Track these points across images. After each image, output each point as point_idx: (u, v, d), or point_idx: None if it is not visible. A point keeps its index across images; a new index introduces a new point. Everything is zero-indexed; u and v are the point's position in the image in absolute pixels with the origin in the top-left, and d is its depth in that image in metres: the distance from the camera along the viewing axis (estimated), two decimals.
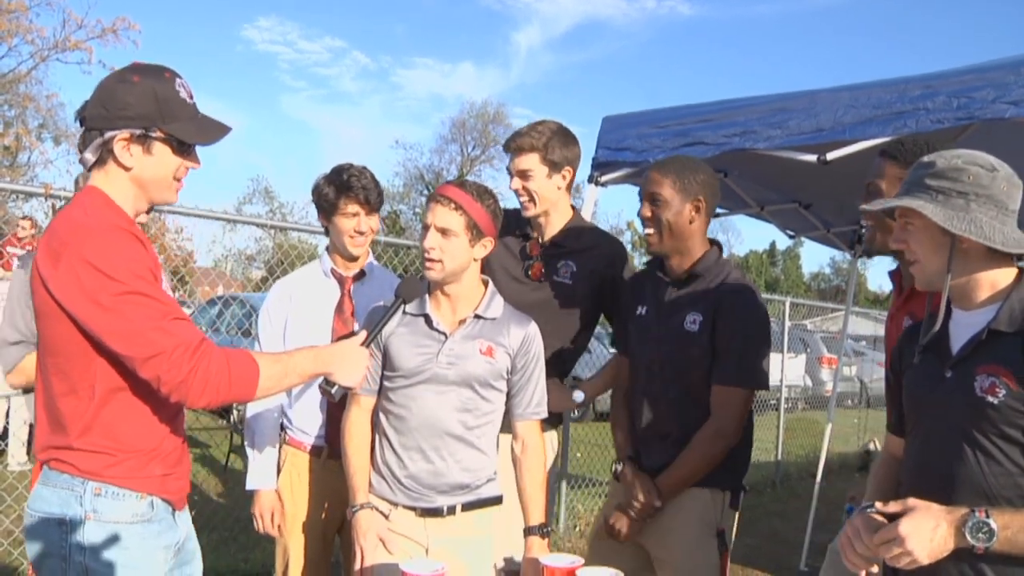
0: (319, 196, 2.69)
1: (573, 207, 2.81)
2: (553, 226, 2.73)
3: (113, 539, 1.73)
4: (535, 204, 2.67)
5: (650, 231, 2.40)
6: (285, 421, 2.74)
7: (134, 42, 16.96)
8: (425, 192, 31.12)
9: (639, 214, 2.43)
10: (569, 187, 2.73)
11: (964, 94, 3.10)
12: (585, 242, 2.72)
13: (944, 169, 1.64)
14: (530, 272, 2.68)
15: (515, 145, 2.66)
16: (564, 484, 5.91)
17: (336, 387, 2.00)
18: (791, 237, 6.30)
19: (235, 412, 7.41)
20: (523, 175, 2.65)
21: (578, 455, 7.16)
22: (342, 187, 2.64)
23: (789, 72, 57.80)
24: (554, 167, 2.65)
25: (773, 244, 37.95)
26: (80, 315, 1.64)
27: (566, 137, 2.69)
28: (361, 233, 2.69)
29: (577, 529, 5.96)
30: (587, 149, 3.42)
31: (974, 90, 3.09)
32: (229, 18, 55.12)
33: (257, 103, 59.46)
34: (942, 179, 1.63)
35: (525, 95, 58.42)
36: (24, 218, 8.54)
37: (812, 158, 3.59)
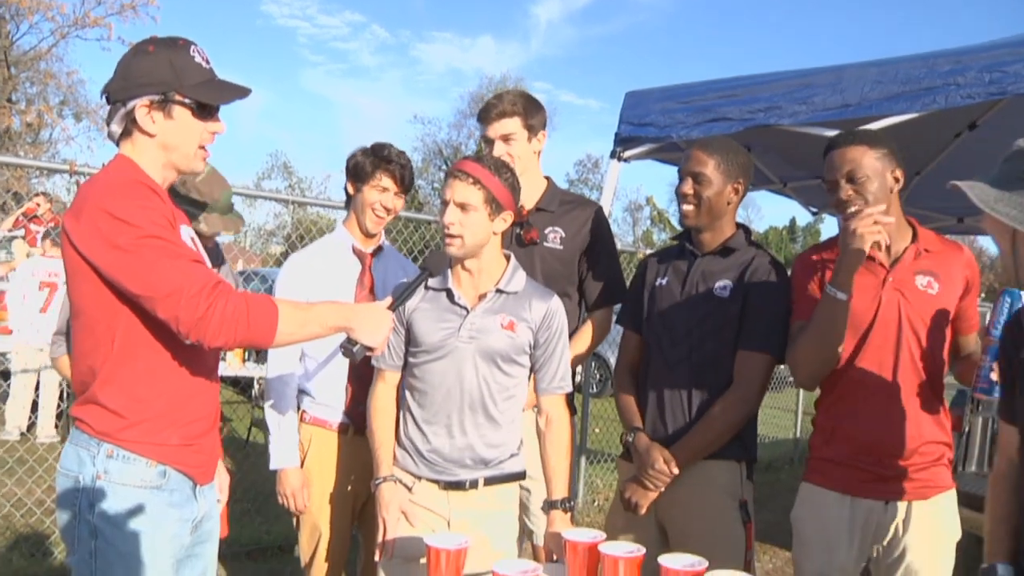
0: (355, 163, 2.71)
1: (547, 178, 2.85)
2: (534, 192, 2.76)
3: (121, 502, 1.75)
4: (517, 167, 2.60)
5: (689, 207, 2.45)
6: (307, 399, 2.72)
7: (153, 18, 16.99)
8: (444, 167, 31.00)
9: (678, 190, 2.48)
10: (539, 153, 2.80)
11: (996, 68, 3.05)
12: (568, 207, 2.80)
13: (1015, 152, 1.56)
14: (524, 237, 2.68)
15: (497, 111, 2.69)
16: (583, 459, 5.94)
17: (358, 346, 1.94)
18: (814, 214, 6.26)
19: (256, 386, 7.50)
20: (506, 139, 2.68)
21: (596, 430, 7.18)
22: (383, 159, 2.67)
23: (816, 46, 56.65)
24: (532, 131, 2.72)
25: (793, 220, 37.43)
26: (100, 261, 1.67)
27: (536, 104, 2.76)
28: (387, 210, 2.71)
29: (596, 504, 6.00)
30: (610, 124, 3.38)
31: (1006, 64, 3.04)
32: None
33: (276, 78, 59.11)
34: (1011, 161, 1.55)
35: (545, 69, 57.75)
36: (38, 195, 8.47)
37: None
